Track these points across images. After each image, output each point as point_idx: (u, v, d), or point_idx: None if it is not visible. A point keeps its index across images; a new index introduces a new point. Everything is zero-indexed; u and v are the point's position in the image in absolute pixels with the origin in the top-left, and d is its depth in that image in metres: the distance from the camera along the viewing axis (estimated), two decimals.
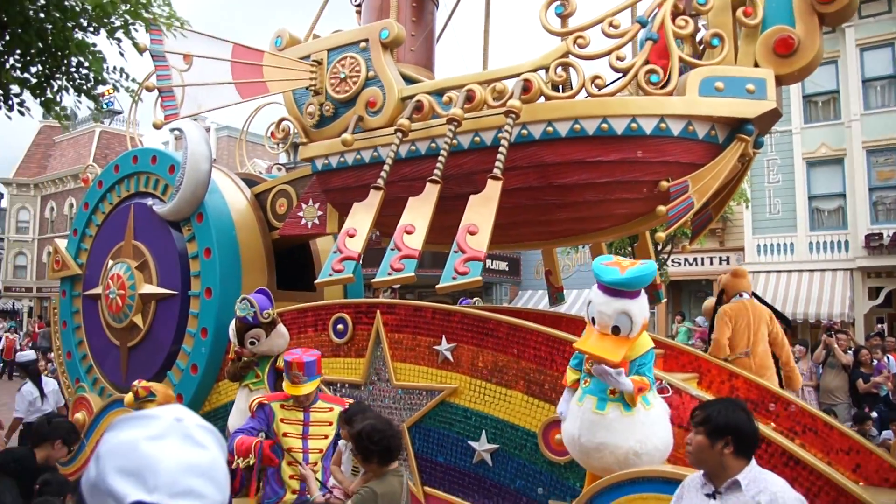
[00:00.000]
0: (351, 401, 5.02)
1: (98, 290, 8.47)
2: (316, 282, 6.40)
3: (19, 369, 9.57)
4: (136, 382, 5.61)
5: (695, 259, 22.32)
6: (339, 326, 6.39)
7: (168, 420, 1.18)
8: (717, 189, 5.70)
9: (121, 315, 8.04)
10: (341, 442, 4.93)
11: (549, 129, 5.76)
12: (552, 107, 5.79)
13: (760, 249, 21.86)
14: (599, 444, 4.16)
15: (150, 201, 8.11)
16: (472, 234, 5.64)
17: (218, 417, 7.29)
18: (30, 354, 9.87)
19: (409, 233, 5.74)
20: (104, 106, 6.38)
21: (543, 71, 5.88)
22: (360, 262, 6.22)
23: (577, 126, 5.67)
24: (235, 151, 10.12)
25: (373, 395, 6.12)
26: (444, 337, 5.77)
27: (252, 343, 6.15)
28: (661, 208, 5.65)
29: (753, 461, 3.00)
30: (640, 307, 4.18)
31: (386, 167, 6.20)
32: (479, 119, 6.04)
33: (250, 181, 8.71)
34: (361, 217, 6.24)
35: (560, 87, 5.95)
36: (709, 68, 5.54)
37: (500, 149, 5.72)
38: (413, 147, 6.40)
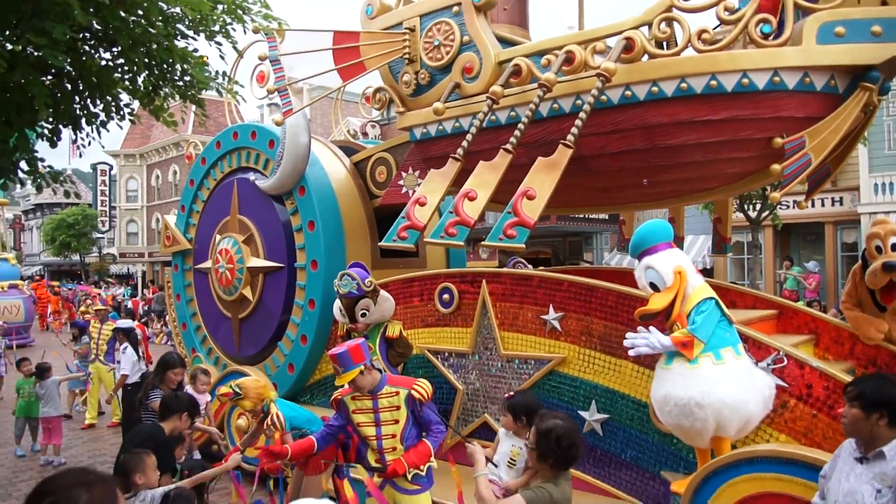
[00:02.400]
0: (423, 381, 4.78)
1: (208, 264, 8.78)
2: (380, 244, 6.62)
3: (120, 335, 10.18)
4: (217, 392, 5.76)
5: (806, 206, 20.90)
6: (445, 296, 6.41)
7: None
8: (837, 142, 5.35)
9: (231, 288, 8.31)
10: (501, 431, 4.75)
11: (654, 88, 5.51)
12: (657, 65, 5.53)
13: (878, 189, 20.45)
14: (665, 395, 4.33)
15: (252, 176, 8.29)
16: (529, 198, 5.60)
17: (327, 385, 7.51)
18: (130, 322, 10.57)
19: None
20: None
21: (646, 27, 5.62)
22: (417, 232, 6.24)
23: (683, 85, 5.41)
24: (330, 111, 10.26)
25: (480, 365, 6.15)
26: (551, 306, 5.70)
27: (363, 314, 6.25)
28: (776, 167, 5.37)
29: None
30: (661, 258, 4.59)
31: (469, 136, 6.14)
32: (580, 82, 5.85)
33: (348, 149, 8.78)
34: (434, 186, 6.26)
35: (664, 43, 5.69)
36: (828, 12, 5.13)
37: (581, 114, 5.57)
38: (513, 113, 6.26)
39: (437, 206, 6.25)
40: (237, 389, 5.41)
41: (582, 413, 5.49)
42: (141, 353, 9.98)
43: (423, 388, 4.70)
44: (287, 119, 7.23)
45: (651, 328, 4.46)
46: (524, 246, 5.58)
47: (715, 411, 4.13)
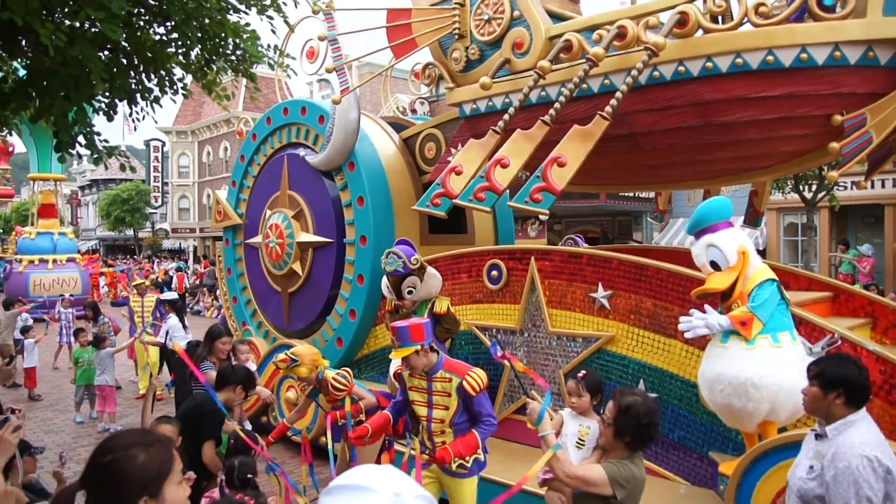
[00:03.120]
0: (478, 372, 4.58)
1: (258, 238, 8.90)
2: (413, 207, 6.79)
3: (166, 306, 10.50)
4: (274, 358, 5.83)
5: (865, 186, 20.36)
6: (494, 273, 6.41)
7: (387, 495, 1.19)
8: None
9: (280, 262, 8.42)
10: (565, 412, 4.54)
11: (709, 64, 5.39)
12: (712, 40, 5.41)
13: None
14: (718, 374, 4.28)
15: (301, 151, 8.36)
16: (559, 165, 5.58)
17: (375, 360, 7.59)
18: (173, 294, 10.82)
19: (560, 165, 5.62)
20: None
21: (701, 1, 5.50)
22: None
23: (739, 60, 5.28)
24: (379, 88, 10.31)
25: (528, 342, 6.14)
26: (600, 284, 5.67)
27: (410, 292, 6.28)
28: (834, 145, 5.23)
29: (862, 411, 3.19)
30: (724, 237, 4.49)
31: (511, 111, 6.12)
32: (631, 57, 5.75)
33: (397, 125, 8.80)
34: (472, 156, 6.27)
35: (720, 18, 5.57)
36: None
37: (622, 86, 5.51)
38: (564, 89, 6.19)
39: (473, 176, 6.19)
40: (293, 356, 5.49)
41: None
42: (186, 324, 10.20)
43: (476, 379, 4.51)
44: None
45: (707, 307, 4.40)
46: (548, 211, 5.62)
47: (771, 394, 4.09)
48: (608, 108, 5.54)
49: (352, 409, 5.47)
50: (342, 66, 7.14)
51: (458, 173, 6.20)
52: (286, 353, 5.54)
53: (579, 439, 4.37)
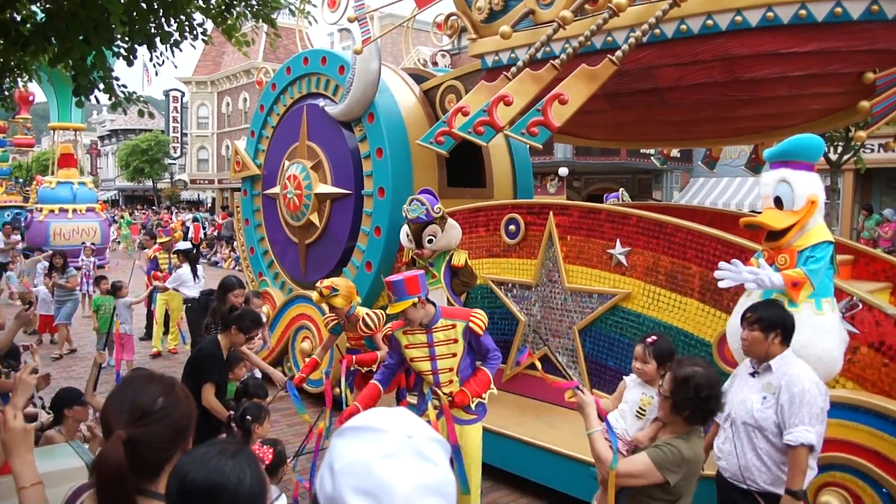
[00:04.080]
0: (479, 312, 4.63)
1: (276, 189, 8.88)
2: (418, 141, 6.73)
3: (180, 255, 10.53)
4: (318, 283, 5.87)
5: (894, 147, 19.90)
6: (511, 227, 6.38)
7: (399, 436, 1.19)
8: None
9: (298, 214, 8.41)
10: (630, 378, 4.19)
11: (738, 18, 5.25)
12: None
13: None
14: None
15: (321, 102, 8.29)
16: (561, 103, 5.52)
17: (391, 315, 7.59)
18: (187, 244, 10.83)
19: (562, 103, 5.55)
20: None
21: None
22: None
23: (769, 14, 5.13)
24: (400, 40, 10.19)
25: (544, 297, 6.13)
26: (618, 240, 5.62)
27: (430, 241, 6.26)
28: (864, 103, 5.10)
29: (790, 349, 3.64)
30: (802, 178, 4.16)
31: (570, 50, 5.89)
32: (657, 6, 5.61)
33: (418, 77, 8.70)
34: (526, 88, 6.04)
35: None
36: None
37: (637, 33, 5.41)
38: (589, 43, 6.05)
39: (524, 109, 5.94)
40: (334, 285, 5.59)
41: None
42: (200, 273, 10.20)
43: (481, 318, 4.58)
44: (357, 45, 7.19)
45: (762, 263, 4.13)
46: (541, 145, 5.62)
47: (810, 364, 3.79)
48: (618, 53, 5.46)
49: (367, 357, 5.53)
50: (364, 16, 7.04)
51: (508, 104, 5.96)
52: (329, 281, 5.66)
53: (640, 408, 4.05)
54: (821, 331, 3.92)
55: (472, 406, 4.58)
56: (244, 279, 8.59)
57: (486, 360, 4.67)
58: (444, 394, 4.57)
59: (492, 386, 4.66)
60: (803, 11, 5.03)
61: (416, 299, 4.43)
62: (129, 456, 1.76)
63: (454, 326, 4.55)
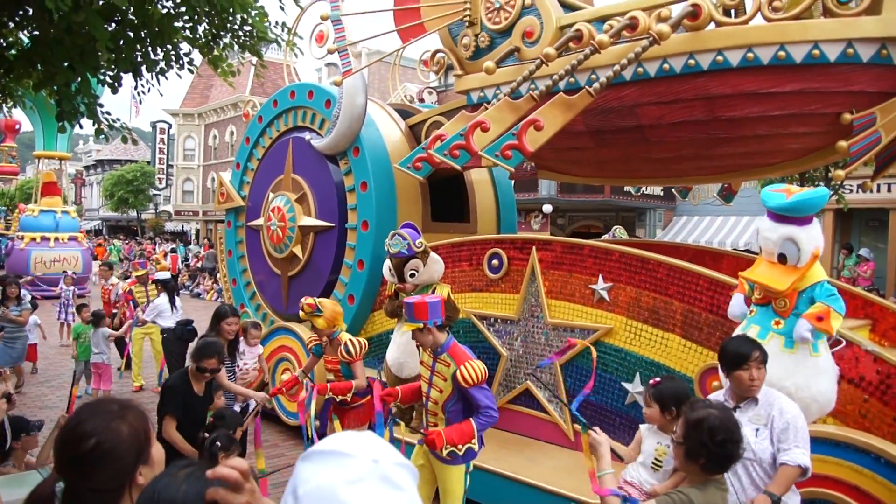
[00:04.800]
0: (477, 364, 4.44)
1: (260, 221, 8.88)
2: (396, 164, 6.81)
3: (159, 286, 10.23)
4: (302, 299, 5.87)
5: (871, 187, 20.13)
6: (494, 262, 6.38)
7: (365, 461, 1.16)
8: None
9: (281, 246, 8.40)
10: (644, 427, 4.00)
11: (719, 58, 5.34)
12: (723, 34, 5.36)
13: None
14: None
15: (307, 135, 8.33)
16: (536, 128, 5.64)
17: (372, 347, 7.55)
18: (166, 274, 10.49)
19: (537, 129, 5.65)
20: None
21: None
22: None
23: (750, 55, 5.23)
24: (387, 76, 10.27)
25: (526, 332, 6.12)
26: (600, 276, 5.64)
27: (412, 275, 6.25)
28: (842, 143, 5.18)
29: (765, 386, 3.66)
30: (808, 235, 4.00)
31: (513, 86, 6.03)
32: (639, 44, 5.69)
33: (404, 112, 8.76)
34: (503, 116, 6.15)
35: (732, 11, 5.51)
36: None
37: (616, 66, 5.49)
38: (572, 80, 6.12)
39: (499, 136, 6.02)
40: (319, 305, 5.59)
41: (626, 384, 5.45)
42: (178, 304, 10.01)
43: (471, 371, 4.37)
44: (345, 80, 7.24)
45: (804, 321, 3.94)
46: (513, 169, 5.75)
47: (805, 406, 3.80)
48: (595, 85, 5.54)
49: (342, 385, 5.56)
50: (345, 48, 7.09)
51: (485, 130, 6.09)
52: (314, 299, 5.72)
53: (655, 459, 3.80)
54: (817, 372, 3.93)
55: (443, 453, 4.40)
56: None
57: (478, 414, 4.46)
58: (423, 428, 4.57)
59: (473, 441, 4.45)
60: (782, 53, 5.13)
61: (420, 325, 4.50)
62: (69, 496, 1.73)
63: (449, 365, 4.51)
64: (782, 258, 4.03)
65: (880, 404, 4.27)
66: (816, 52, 5.05)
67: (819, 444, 3.89)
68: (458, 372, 4.40)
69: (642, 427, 4.03)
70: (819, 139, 5.67)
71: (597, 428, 3.33)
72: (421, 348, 4.75)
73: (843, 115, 5.21)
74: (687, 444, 2.89)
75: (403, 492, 1.17)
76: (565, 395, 5.80)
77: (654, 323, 5.34)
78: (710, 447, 2.81)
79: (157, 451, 1.92)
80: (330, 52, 7.25)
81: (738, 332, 4.22)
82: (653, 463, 3.80)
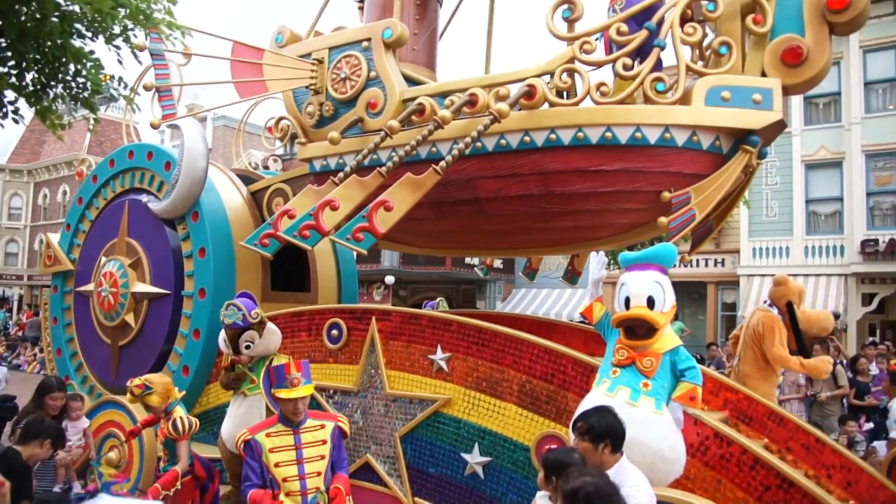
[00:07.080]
0: (343, 418, 4.71)
1: (90, 286, 8.36)
2: (242, 243, 6.78)
3: None
4: (129, 382, 5.52)
5: (689, 260, 21.69)
6: (334, 332, 6.29)
7: None
8: (719, 200, 5.61)
9: (113, 313, 7.92)
10: (539, 494, 3.94)
11: (553, 136, 5.63)
12: (556, 114, 5.67)
13: (756, 252, 21.79)
14: (630, 438, 3.84)
15: (145, 198, 7.99)
16: (386, 209, 5.72)
17: (208, 420, 7.20)
18: None
19: (387, 209, 5.72)
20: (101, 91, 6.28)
21: (549, 76, 5.76)
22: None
23: (580, 134, 5.55)
24: (231, 142, 10.07)
25: (365, 404, 6.03)
26: (439, 346, 5.67)
27: (247, 346, 6.04)
28: (662, 220, 5.55)
29: (624, 456, 3.65)
30: (668, 283, 4.32)
31: (395, 159, 6.04)
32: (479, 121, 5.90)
33: (247, 178, 8.59)
34: (352, 193, 6.15)
35: (565, 93, 5.84)
36: (716, 77, 5.44)
37: (460, 145, 5.66)
38: (414, 152, 6.22)
39: (349, 214, 6.06)
40: (147, 383, 5.24)
41: (465, 455, 5.44)
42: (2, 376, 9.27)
43: (347, 422, 4.69)
44: (186, 142, 7.04)
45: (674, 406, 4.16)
46: (366, 251, 5.78)
47: (671, 468, 4.01)
48: (442, 164, 5.68)
49: (169, 477, 5.26)
50: (168, 88, 6.83)
51: (335, 209, 6.06)
52: (141, 379, 5.42)
53: None
54: (662, 429, 4.06)
55: None
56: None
57: (341, 467, 4.61)
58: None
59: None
60: (609, 133, 5.48)
61: (311, 384, 4.55)
62: None
63: (323, 427, 4.51)
64: (651, 301, 4.25)
65: (700, 464, 4.48)
66: (639, 134, 5.44)
67: None
68: (339, 426, 4.65)
69: (538, 494, 3.99)
70: (643, 215, 6.04)
71: None
72: (264, 435, 4.57)
73: (662, 194, 5.59)
74: None
75: None
76: (405, 467, 5.74)
77: (492, 392, 5.39)
78: None
79: None
80: (147, 88, 6.97)
81: (602, 394, 4.22)
82: None
